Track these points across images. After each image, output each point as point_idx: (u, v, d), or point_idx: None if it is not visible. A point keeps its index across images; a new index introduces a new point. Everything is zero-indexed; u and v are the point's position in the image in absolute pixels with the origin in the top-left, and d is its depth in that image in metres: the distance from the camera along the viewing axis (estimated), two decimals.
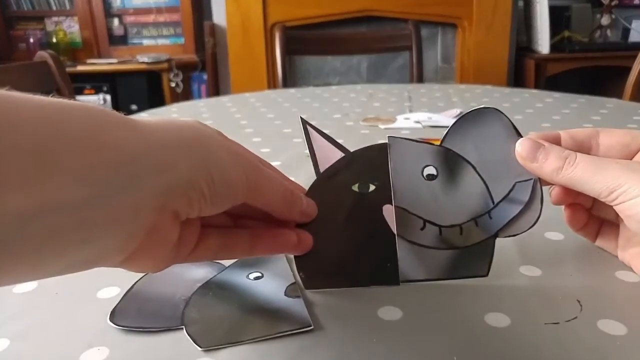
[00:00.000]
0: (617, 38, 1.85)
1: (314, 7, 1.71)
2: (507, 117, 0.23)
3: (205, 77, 1.96)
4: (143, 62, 1.82)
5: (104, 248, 0.14)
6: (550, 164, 0.22)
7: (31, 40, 1.97)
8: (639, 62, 0.87)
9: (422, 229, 0.23)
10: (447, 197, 0.23)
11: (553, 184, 0.23)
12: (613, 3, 1.77)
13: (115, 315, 0.21)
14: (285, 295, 0.22)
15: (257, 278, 0.24)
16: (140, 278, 0.24)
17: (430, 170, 0.23)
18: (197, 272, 0.25)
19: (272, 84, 1.76)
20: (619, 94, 0.84)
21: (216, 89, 1.96)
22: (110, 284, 0.24)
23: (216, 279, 0.24)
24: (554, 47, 1.73)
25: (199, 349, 0.19)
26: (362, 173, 0.23)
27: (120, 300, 0.22)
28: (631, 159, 0.23)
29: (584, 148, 0.23)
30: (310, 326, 0.20)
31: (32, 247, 0.12)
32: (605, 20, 1.79)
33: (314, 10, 1.71)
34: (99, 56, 2.00)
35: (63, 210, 0.12)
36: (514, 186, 0.23)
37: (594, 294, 0.22)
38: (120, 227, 0.14)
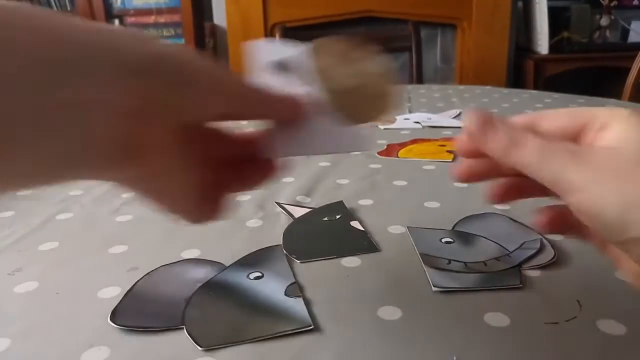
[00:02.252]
0: (616, 39, 1.85)
1: (314, 8, 1.71)
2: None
3: None
4: None
5: (75, 140, 0.13)
6: (498, 142, 0.20)
7: None
8: (638, 62, 0.87)
9: (448, 264, 0.25)
10: (465, 251, 0.26)
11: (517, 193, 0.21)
12: (612, 4, 1.77)
13: (116, 315, 0.21)
14: (285, 295, 0.22)
15: (257, 278, 0.24)
16: (141, 278, 0.24)
17: (447, 239, 0.28)
18: (198, 272, 0.25)
19: None
20: (618, 95, 0.84)
21: None
22: (110, 284, 0.24)
23: (216, 278, 0.24)
24: (553, 47, 1.73)
25: (199, 348, 0.19)
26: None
27: (121, 300, 0.22)
28: (577, 140, 0.20)
29: None
30: (311, 326, 0.20)
31: None
32: (604, 21, 1.79)
33: (314, 11, 1.72)
34: None
35: (24, 95, 0.12)
36: (523, 243, 0.26)
37: (593, 294, 0.22)
38: (87, 113, 0.13)
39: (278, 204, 0.34)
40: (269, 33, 1.73)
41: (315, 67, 0.23)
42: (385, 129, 0.57)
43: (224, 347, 0.19)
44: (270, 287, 0.23)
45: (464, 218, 0.30)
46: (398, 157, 0.45)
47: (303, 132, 0.22)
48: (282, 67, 0.22)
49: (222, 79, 0.17)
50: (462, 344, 0.19)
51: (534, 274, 0.24)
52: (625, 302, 0.22)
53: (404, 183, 0.38)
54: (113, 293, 0.23)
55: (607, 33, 1.83)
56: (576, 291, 0.22)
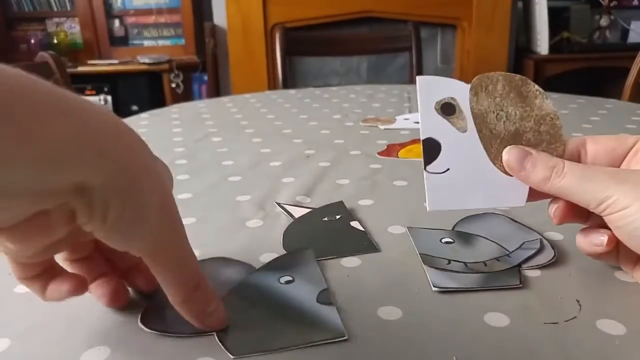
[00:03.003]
0: (616, 39, 1.85)
1: (314, 8, 1.72)
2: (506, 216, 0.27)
3: (205, 77, 1.96)
4: (144, 63, 1.83)
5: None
6: (538, 174, 0.21)
7: (32, 41, 1.97)
8: (638, 62, 0.87)
9: (448, 264, 0.25)
10: (465, 251, 0.26)
11: (545, 194, 0.22)
12: (612, 4, 1.77)
13: (146, 319, 0.21)
14: (317, 302, 0.22)
15: (288, 282, 0.23)
16: None
17: (447, 239, 0.28)
18: (227, 274, 0.24)
19: (272, 85, 1.76)
20: (617, 95, 0.84)
21: (216, 90, 1.97)
22: None
23: (247, 282, 0.23)
24: (553, 48, 1.73)
25: (231, 357, 0.19)
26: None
27: (149, 302, 0.22)
28: (619, 165, 0.23)
29: (573, 156, 0.23)
30: (345, 336, 0.19)
31: None
32: (604, 21, 1.80)
33: (314, 12, 1.72)
34: (100, 57, 2.00)
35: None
36: (523, 243, 0.26)
37: (593, 294, 0.22)
38: (12, 199, 0.13)
39: (278, 204, 0.34)
40: (269, 33, 1.73)
41: (476, 110, 0.22)
42: (385, 129, 0.57)
43: (255, 355, 0.19)
44: (301, 292, 0.22)
45: (463, 218, 0.30)
46: (398, 157, 0.45)
47: (460, 184, 0.22)
48: (447, 109, 0.22)
49: (163, 242, 0.17)
50: (462, 344, 0.19)
51: (533, 274, 0.24)
52: (625, 302, 0.22)
53: (404, 183, 0.38)
54: None
55: (607, 33, 1.83)
56: (576, 291, 0.23)
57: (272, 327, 0.20)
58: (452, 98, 0.23)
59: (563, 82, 1.73)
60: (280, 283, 0.23)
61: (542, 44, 1.72)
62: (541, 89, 0.23)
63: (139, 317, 0.21)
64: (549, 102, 0.23)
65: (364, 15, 1.73)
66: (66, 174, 0.14)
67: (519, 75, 0.23)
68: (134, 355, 0.19)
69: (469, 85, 0.23)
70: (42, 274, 0.19)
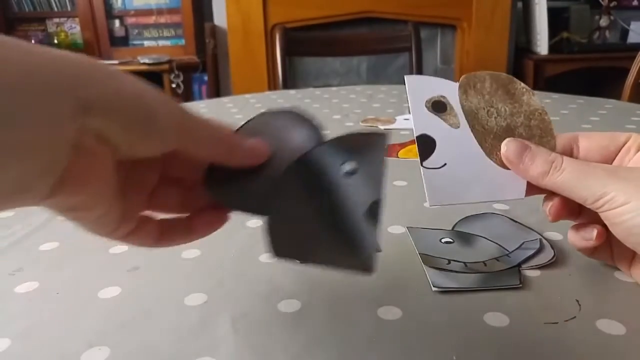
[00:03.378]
0: (615, 39, 1.85)
1: (314, 9, 1.72)
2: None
3: (206, 78, 1.96)
4: (144, 63, 1.83)
5: (22, 174, 0.13)
6: (536, 168, 0.21)
7: (33, 41, 1.97)
8: (638, 63, 0.88)
9: (448, 264, 0.25)
10: (465, 251, 0.26)
11: (541, 189, 0.22)
12: (612, 4, 1.77)
13: (209, 183, 0.20)
14: (365, 214, 0.19)
15: (349, 173, 0.20)
16: (246, 123, 0.22)
17: (447, 239, 0.28)
18: (296, 137, 0.21)
19: (272, 85, 1.76)
20: (617, 95, 0.84)
21: (217, 90, 1.97)
22: (110, 284, 0.24)
23: (309, 158, 0.21)
24: (552, 48, 1.73)
25: (272, 255, 0.18)
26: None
27: (215, 170, 0.20)
28: (611, 161, 0.23)
29: (566, 152, 0.23)
30: (372, 273, 0.18)
31: None
32: (604, 21, 1.80)
33: (314, 12, 1.72)
34: (100, 57, 2.00)
35: None
36: (522, 243, 0.26)
37: (593, 294, 0.22)
38: (35, 143, 0.13)
39: None
40: (269, 33, 1.73)
41: (467, 107, 0.22)
42: (385, 129, 0.57)
43: (291, 261, 0.18)
44: (355, 195, 0.20)
45: (463, 218, 0.30)
46: (398, 157, 0.45)
47: (457, 179, 0.21)
48: (438, 106, 0.22)
49: (187, 129, 0.17)
50: (461, 344, 0.19)
51: (533, 273, 0.24)
52: (625, 302, 0.22)
53: (404, 183, 0.38)
54: (113, 293, 0.23)
55: (607, 33, 1.83)
56: (576, 291, 0.23)
57: (315, 234, 0.19)
58: (442, 96, 0.23)
59: (563, 82, 1.73)
60: (342, 171, 0.20)
61: (542, 44, 1.72)
62: (527, 86, 0.23)
63: (204, 178, 0.20)
64: (536, 98, 0.23)
65: (364, 15, 1.74)
66: (61, 97, 0.13)
67: (504, 74, 0.24)
68: (134, 355, 0.19)
69: (457, 84, 0.23)
70: (138, 225, 0.19)
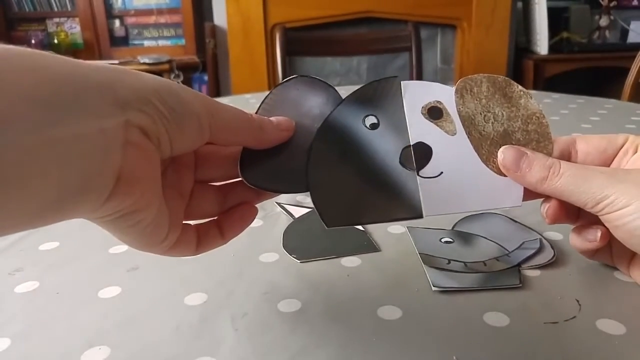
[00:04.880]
0: (615, 39, 1.85)
1: (314, 9, 1.72)
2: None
3: (206, 78, 1.96)
4: (144, 63, 1.83)
5: (82, 172, 0.14)
6: (534, 174, 0.21)
7: (33, 41, 1.97)
8: (637, 62, 0.88)
9: (448, 263, 0.25)
10: (465, 251, 0.26)
11: (538, 194, 0.22)
12: (612, 4, 1.77)
13: (245, 169, 0.20)
14: (400, 162, 0.21)
15: (373, 126, 0.21)
16: (263, 101, 0.22)
17: (447, 239, 0.28)
18: (314, 101, 0.22)
19: (272, 85, 1.76)
20: (617, 95, 0.84)
21: (217, 90, 1.97)
22: (110, 284, 0.24)
23: (332, 121, 0.21)
24: (552, 48, 1.73)
25: (325, 225, 0.19)
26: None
27: (249, 159, 0.20)
28: (608, 165, 0.23)
29: (564, 155, 0.23)
30: (422, 216, 0.20)
31: None
32: (603, 21, 1.80)
33: (314, 12, 1.72)
34: (100, 57, 2.00)
35: (18, 134, 0.12)
36: (522, 243, 0.26)
37: (593, 294, 0.22)
38: (88, 144, 0.14)
39: (278, 204, 0.34)
40: (269, 33, 1.73)
41: (464, 113, 0.22)
42: None
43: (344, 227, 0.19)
44: (386, 145, 0.21)
45: (463, 218, 0.30)
46: None
47: (454, 187, 0.22)
48: (434, 112, 0.22)
49: (215, 111, 0.18)
50: (461, 344, 0.19)
51: (533, 273, 0.24)
52: (625, 302, 0.22)
53: None
54: (113, 293, 0.23)
55: (607, 33, 1.83)
56: (576, 291, 0.23)
57: (361, 194, 0.20)
58: (438, 102, 0.23)
59: (563, 82, 1.73)
60: (365, 126, 0.21)
61: (542, 44, 1.72)
62: (525, 89, 0.23)
63: (239, 167, 0.20)
64: (534, 102, 0.23)
65: (364, 15, 1.74)
66: (100, 94, 0.14)
67: (502, 77, 0.23)
68: (134, 355, 0.19)
69: (453, 88, 0.23)
70: (184, 233, 0.19)
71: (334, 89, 0.22)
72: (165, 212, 0.17)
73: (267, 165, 0.20)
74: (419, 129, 0.22)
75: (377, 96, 0.22)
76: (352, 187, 0.20)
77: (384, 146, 0.21)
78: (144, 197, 0.16)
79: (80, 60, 0.15)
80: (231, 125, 0.19)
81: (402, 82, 0.23)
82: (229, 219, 0.21)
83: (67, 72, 0.14)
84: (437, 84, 0.23)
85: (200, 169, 0.21)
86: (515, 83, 0.23)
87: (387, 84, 0.22)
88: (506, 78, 0.23)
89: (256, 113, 0.21)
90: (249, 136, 0.19)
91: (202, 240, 0.20)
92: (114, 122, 0.14)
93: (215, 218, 0.21)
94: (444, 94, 0.23)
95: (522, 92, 0.23)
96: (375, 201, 0.19)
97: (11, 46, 0.14)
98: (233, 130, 0.19)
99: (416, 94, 0.23)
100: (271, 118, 0.20)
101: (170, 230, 0.18)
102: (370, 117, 0.21)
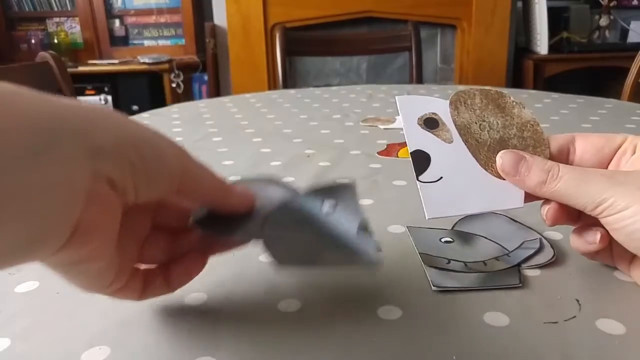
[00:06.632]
0: (615, 39, 1.85)
1: (314, 9, 1.72)
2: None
3: (206, 77, 1.96)
4: (144, 63, 1.83)
5: (42, 219, 0.13)
6: (533, 178, 0.21)
7: (33, 41, 1.97)
8: (637, 62, 0.88)
9: (448, 263, 0.25)
10: (465, 251, 0.26)
11: (538, 197, 0.22)
12: (612, 4, 1.77)
13: (199, 221, 0.21)
14: (357, 229, 0.22)
15: (330, 208, 0.23)
16: None
17: (447, 239, 0.28)
18: (274, 193, 0.24)
19: (272, 85, 1.76)
20: (617, 95, 0.84)
21: (217, 90, 1.97)
22: None
23: (293, 202, 0.23)
24: (552, 48, 1.73)
25: (276, 265, 0.19)
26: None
27: (201, 210, 0.22)
28: (606, 164, 0.23)
29: (563, 152, 0.23)
30: (378, 264, 0.20)
31: None
32: (603, 21, 1.80)
33: (314, 12, 1.72)
34: (100, 57, 2.00)
35: None
36: (522, 243, 0.26)
37: (593, 294, 0.22)
38: (51, 194, 0.13)
39: None
40: (269, 33, 1.73)
41: (459, 122, 0.23)
42: (385, 129, 0.57)
43: (297, 268, 0.20)
44: (343, 219, 0.22)
45: (463, 218, 0.30)
46: (398, 157, 0.45)
47: (455, 191, 0.22)
48: (430, 123, 0.23)
49: (189, 170, 0.18)
50: (461, 344, 0.19)
51: (533, 273, 0.24)
52: (625, 302, 0.22)
53: (404, 183, 0.38)
54: None
55: (607, 33, 1.83)
56: (576, 291, 0.23)
57: (316, 246, 0.20)
58: (433, 113, 0.23)
59: (563, 82, 1.73)
60: (324, 208, 0.23)
61: (542, 44, 1.72)
62: (517, 100, 0.24)
63: (191, 219, 0.21)
64: (527, 111, 0.23)
65: (364, 15, 1.74)
66: (73, 142, 0.13)
67: (494, 89, 0.24)
68: (134, 355, 0.19)
69: (447, 101, 0.24)
70: (130, 279, 0.19)
71: (294, 189, 0.24)
72: (115, 261, 0.17)
73: (222, 225, 0.21)
74: (417, 138, 0.23)
75: (335, 189, 0.24)
76: (307, 244, 0.21)
77: (342, 222, 0.22)
78: (98, 248, 0.16)
79: (60, 101, 0.14)
80: (201, 187, 0.19)
81: (397, 97, 0.24)
82: (176, 268, 0.21)
83: (43, 117, 0.13)
84: (431, 97, 0.24)
85: (156, 216, 0.20)
86: (507, 94, 0.24)
87: (344, 185, 0.25)
88: (498, 90, 0.24)
89: None
90: (216, 199, 0.20)
91: (148, 287, 0.20)
92: (81, 172, 0.14)
93: (161, 266, 0.21)
94: (439, 107, 0.24)
95: (514, 103, 0.24)
96: (332, 255, 0.20)
97: None
98: (201, 191, 0.19)
99: (411, 108, 0.24)
100: (239, 187, 0.21)
101: (118, 277, 0.18)
102: (328, 202, 0.23)
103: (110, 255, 0.17)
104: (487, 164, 0.23)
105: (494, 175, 0.22)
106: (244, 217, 0.21)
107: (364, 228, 0.21)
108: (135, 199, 0.16)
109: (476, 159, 0.23)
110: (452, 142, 0.23)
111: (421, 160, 0.23)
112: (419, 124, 0.23)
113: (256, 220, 0.21)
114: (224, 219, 0.21)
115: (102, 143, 0.14)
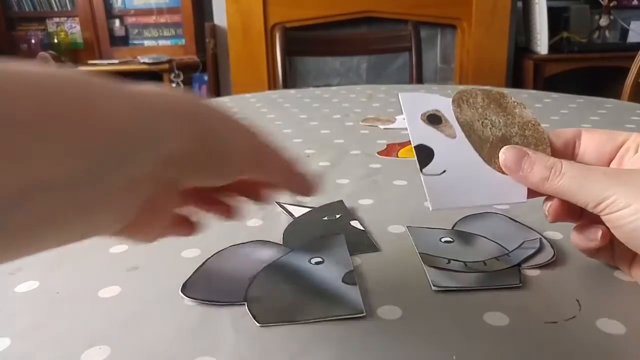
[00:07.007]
0: (615, 39, 1.85)
1: (314, 8, 1.72)
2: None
3: (206, 77, 1.96)
4: (144, 63, 1.83)
5: (102, 222, 0.14)
6: (535, 174, 0.21)
7: (33, 41, 1.97)
8: (637, 62, 0.88)
9: (448, 263, 0.25)
10: (465, 251, 0.26)
11: (540, 193, 0.22)
12: (612, 4, 1.77)
13: (186, 288, 0.23)
14: (342, 281, 0.23)
15: (318, 263, 0.25)
16: (211, 256, 0.26)
17: (447, 239, 0.28)
18: (264, 253, 0.26)
19: (272, 85, 1.76)
20: (617, 95, 0.84)
21: (217, 90, 1.97)
22: (110, 284, 0.24)
23: (280, 261, 0.25)
24: (552, 47, 1.73)
25: (257, 324, 0.20)
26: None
27: (192, 275, 0.24)
28: (607, 161, 0.23)
29: (569, 147, 0.23)
30: (363, 313, 0.21)
31: (26, 227, 0.12)
32: (603, 21, 1.80)
33: (314, 12, 1.72)
34: (100, 57, 2.00)
35: (57, 188, 0.11)
36: (522, 243, 0.26)
37: (592, 293, 0.22)
38: (118, 201, 0.14)
39: (278, 203, 0.34)
40: (269, 33, 1.73)
41: (462, 120, 0.23)
42: (385, 128, 0.57)
43: (279, 325, 0.20)
44: (329, 272, 0.24)
45: (463, 217, 0.30)
46: (398, 156, 0.45)
47: (458, 183, 0.22)
48: (433, 119, 0.23)
49: (255, 155, 0.18)
50: (461, 344, 0.19)
51: (533, 273, 0.24)
52: (625, 302, 0.22)
53: (404, 182, 0.38)
54: (113, 292, 0.23)
55: (607, 33, 1.83)
56: (576, 291, 0.23)
57: (299, 301, 0.22)
58: (436, 110, 0.23)
59: (563, 82, 1.73)
60: (311, 263, 0.24)
61: (542, 44, 1.72)
62: (518, 101, 0.24)
63: (180, 288, 0.23)
64: (529, 111, 0.24)
65: (363, 15, 1.74)
66: (143, 155, 0.13)
67: (495, 89, 0.25)
68: (134, 355, 0.19)
69: (449, 99, 0.24)
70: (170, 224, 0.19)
71: (284, 247, 0.26)
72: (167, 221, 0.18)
73: (213, 285, 0.23)
74: (420, 133, 0.23)
75: (324, 246, 0.26)
76: (289, 300, 0.22)
77: (327, 274, 0.23)
78: (148, 231, 0.17)
79: (137, 97, 0.14)
80: (268, 174, 0.19)
81: (399, 94, 0.24)
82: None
83: (117, 124, 0.13)
84: (434, 95, 0.24)
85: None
86: (509, 95, 0.24)
87: (334, 238, 0.26)
88: (500, 90, 0.24)
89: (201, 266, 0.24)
90: (279, 183, 0.20)
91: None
92: (145, 180, 0.14)
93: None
94: (441, 104, 0.24)
95: (516, 103, 0.24)
96: (315, 307, 0.21)
97: (67, 75, 0.13)
98: (269, 177, 0.19)
99: (414, 105, 0.24)
100: (307, 172, 0.20)
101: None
102: (316, 258, 0.25)
103: (159, 228, 0.17)
104: (490, 159, 0.23)
105: (497, 171, 0.23)
106: (233, 281, 0.23)
107: (348, 279, 0.23)
108: (193, 185, 0.17)
109: (479, 154, 0.23)
110: (455, 137, 0.23)
111: (425, 154, 0.23)
112: (422, 119, 0.23)
113: (242, 284, 0.23)
114: (216, 283, 0.23)
115: (172, 150, 0.14)
